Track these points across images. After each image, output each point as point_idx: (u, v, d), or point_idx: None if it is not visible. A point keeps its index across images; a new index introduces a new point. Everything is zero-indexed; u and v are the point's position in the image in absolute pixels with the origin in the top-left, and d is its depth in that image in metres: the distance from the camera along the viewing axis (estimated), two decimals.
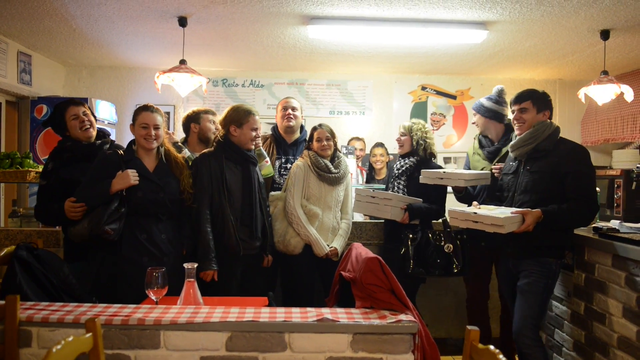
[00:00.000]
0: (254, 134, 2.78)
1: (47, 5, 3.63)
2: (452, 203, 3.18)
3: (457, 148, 5.91)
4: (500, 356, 1.31)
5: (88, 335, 1.48)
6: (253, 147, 2.84)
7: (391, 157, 4.73)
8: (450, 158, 5.87)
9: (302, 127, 3.41)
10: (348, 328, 1.76)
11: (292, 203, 2.95)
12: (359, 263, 2.01)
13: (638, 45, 4.36)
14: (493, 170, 2.95)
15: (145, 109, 2.54)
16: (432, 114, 5.92)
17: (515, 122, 2.72)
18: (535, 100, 2.65)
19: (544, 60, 5.03)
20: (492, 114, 3.11)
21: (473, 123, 3.28)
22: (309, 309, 1.89)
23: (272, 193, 3.11)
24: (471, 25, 3.91)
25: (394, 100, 5.91)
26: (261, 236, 2.81)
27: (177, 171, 2.59)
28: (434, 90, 5.93)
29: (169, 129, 5.41)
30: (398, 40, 4.32)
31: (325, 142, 3.02)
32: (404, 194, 3.09)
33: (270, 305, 2.16)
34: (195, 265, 2.02)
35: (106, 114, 5.09)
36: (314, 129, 3.07)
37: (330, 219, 3.03)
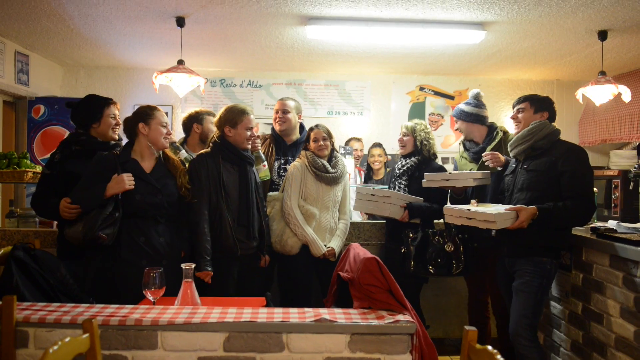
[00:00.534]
0: (249, 133, 2.77)
1: (44, 6, 3.62)
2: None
3: (454, 148, 5.90)
4: (498, 356, 1.30)
5: (85, 335, 1.47)
6: (249, 146, 2.83)
7: (389, 157, 4.73)
8: (448, 158, 5.86)
9: (302, 128, 3.38)
10: (346, 328, 1.76)
11: (289, 203, 2.95)
12: (357, 263, 2.01)
13: (635, 45, 4.37)
14: (484, 158, 2.92)
15: (156, 108, 2.53)
16: (430, 115, 5.93)
17: (513, 122, 2.79)
18: (534, 101, 2.74)
19: (542, 60, 5.03)
20: (473, 117, 3.15)
21: (456, 129, 3.32)
22: (306, 309, 1.89)
23: (270, 193, 3.10)
24: (469, 25, 3.92)
25: (392, 100, 5.91)
26: (258, 236, 2.80)
27: (174, 171, 2.57)
28: (432, 91, 5.93)
29: None
30: (396, 41, 4.33)
31: (322, 142, 3.02)
32: (405, 194, 3.09)
33: (268, 305, 2.16)
34: (193, 265, 2.01)
35: None
36: (311, 129, 3.08)
37: (328, 219, 3.03)
